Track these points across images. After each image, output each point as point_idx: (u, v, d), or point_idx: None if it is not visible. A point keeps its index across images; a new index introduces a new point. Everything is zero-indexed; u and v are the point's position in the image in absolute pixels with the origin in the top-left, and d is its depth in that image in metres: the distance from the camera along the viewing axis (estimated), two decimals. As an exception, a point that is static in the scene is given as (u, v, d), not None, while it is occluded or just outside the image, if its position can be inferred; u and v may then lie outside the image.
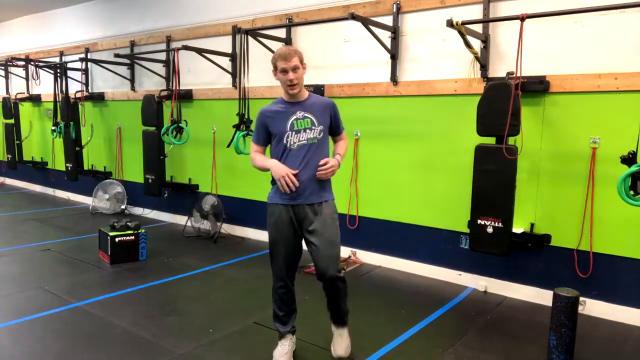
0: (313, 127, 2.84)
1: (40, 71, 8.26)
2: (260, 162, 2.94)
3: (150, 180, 6.44)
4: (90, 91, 7.92)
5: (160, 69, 6.74)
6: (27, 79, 9.01)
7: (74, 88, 7.67)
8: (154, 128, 6.32)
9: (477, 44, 4.16)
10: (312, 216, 2.84)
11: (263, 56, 5.50)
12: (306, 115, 2.84)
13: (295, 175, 2.78)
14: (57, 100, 7.56)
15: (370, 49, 4.78)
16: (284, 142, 2.83)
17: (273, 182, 2.90)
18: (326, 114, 2.91)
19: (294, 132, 2.83)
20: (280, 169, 2.78)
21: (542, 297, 3.98)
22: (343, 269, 3.16)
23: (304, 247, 3.01)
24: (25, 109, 9.06)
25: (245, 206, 6.08)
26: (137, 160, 6.91)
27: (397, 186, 4.82)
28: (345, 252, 5.04)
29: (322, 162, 2.82)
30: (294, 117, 2.84)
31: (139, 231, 4.97)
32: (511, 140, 3.84)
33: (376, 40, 4.48)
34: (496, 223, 3.78)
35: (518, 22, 3.44)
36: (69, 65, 7.53)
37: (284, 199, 2.85)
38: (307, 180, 2.82)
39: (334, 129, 3.01)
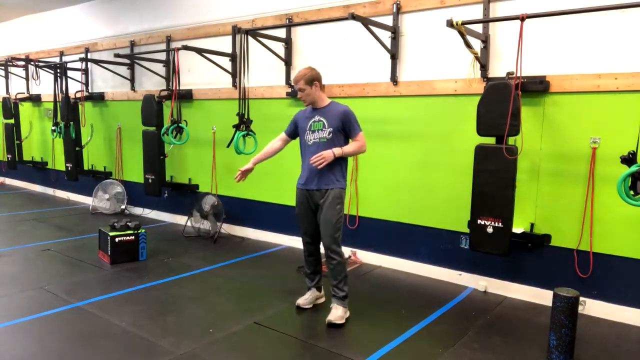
0: (324, 129, 3.53)
1: (40, 71, 8.26)
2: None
3: (150, 180, 6.44)
4: (90, 91, 7.92)
5: (160, 69, 6.74)
6: (27, 79, 9.01)
7: (74, 88, 7.67)
8: (154, 128, 6.32)
9: (477, 44, 4.16)
10: (320, 200, 3.54)
11: (263, 56, 5.52)
12: (320, 119, 3.56)
13: (307, 166, 3.55)
14: (57, 100, 7.55)
15: (370, 49, 4.78)
16: (304, 138, 3.63)
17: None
18: (337, 119, 3.52)
19: (310, 132, 3.59)
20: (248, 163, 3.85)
21: (542, 297, 3.98)
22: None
23: None
24: (25, 109, 9.06)
25: (245, 206, 6.08)
26: (137, 160, 6.92)
27: (397, 186, 4.82)
28: (345, 252, 5.02)
29: (317, 155, 3.43)
30: (312, 120, 3.59)
31: (139, 231, 4.97)
32: (511, 140, 3.84)
33: (376, 40, 4.48)
34: (496, 223, 3.78)
35: (518, 22, 3.44)
36: (69, 65, 7.52)
37: (300, 184, 3.65)
38: (316, 170, 3.50)
39: (347, 132, 3.56)
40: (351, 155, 3.68)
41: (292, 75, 5.46)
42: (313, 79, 3.52)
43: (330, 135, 3.51)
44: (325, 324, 3.51)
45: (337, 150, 3.47)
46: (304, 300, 3.79)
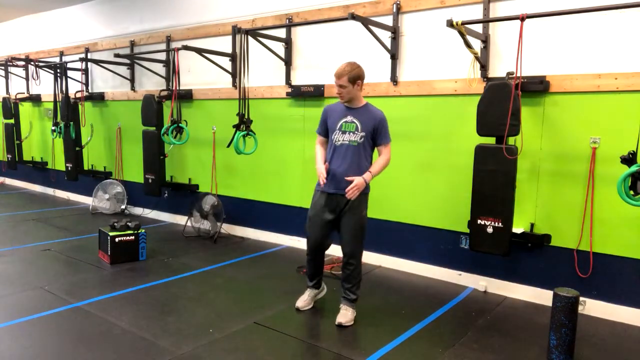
0: (356, 132, 3.38)
1: (40, 71, 8.26)
2: (316, 156, 3.58)
3: (150, 180, 6.45)
4: (90, 91, 7.92)
5: (160, 69, 6.74)
6: (27, 79, 9.01)
7: (74, 88, 7.67)
8: (154, 128, 6.32)
9: (477, 44, 4.16)
10: (345, 205, 3.41)
11: (263, 56, 5.52)
12: (354, 120, 3.40)
13: (332, 169, 3.41)
14: (57, 100, 7.56)
15: (370, 49, 4.78)
16: (332, 137, 3.45)
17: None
18: (371, 124, 3.38)
19: (340, 132, 3.42)
20: (318, 169, 3.46)
21: (542, 297, 3.98)
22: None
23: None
24: (25, 109, 9.06)
25: (245, 206, 6.08)
26: (137, 160, 6.92)
27: (397, 186, 4.82)
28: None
29: (348, 179, 3.30)
30: (344, 119, 3.42)
31: (139, 231, 4.97)
32: (511, 140, 3.84)
33: (376, 40, 4.48)
34: (496, 223, 3.78)
35: (518, 22, 3.44)
36: (69, 65, 7.52)
37: (322, 187, 3.44)
38: (343, 174, 3.36)
39: (376, 139, 3.43)
40: (378, 174, 3.45)
41: (292, 75, 5.48)
42: (357, 77, 3.35)
43: (362, 140, 3.37)
44: (324, 323, 3.52)
45: (368, 176, 3.34)
46: (303, 302, 3.75)
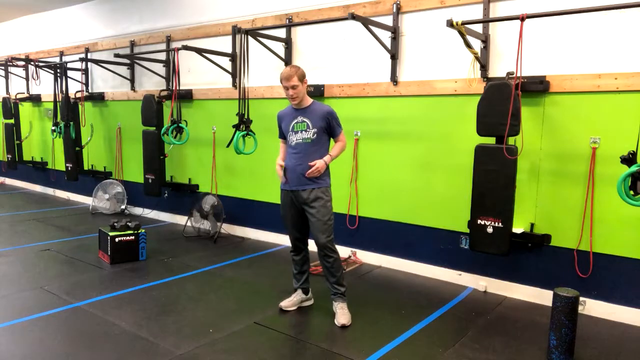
0: (308, 130, 3.52)
1: (40, 71, 8.26)
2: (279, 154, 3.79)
3: (150, 180, 6.45)
4: (90, 91, 7.92)
5: (160, 69, 6.74)
6: (27, 79, 9.01)
7: (74, 88, 7.67)
8: (154, 128, 6.32)
9: (477, 44, 4.16)
10: (306, 199, 3.51)
11: (263, 56, 5.52)
12: (304, 119, 3.53)
13: (292, 167, 3.54)
14: (57, 100, 7.56)
15: (370, 49, 4.78)
16: (288, 139, 3.62)
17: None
18: (321, 120, 3.52)
19: (293, 132, 3.56)
20: (277, 163, 3.69)
21: (542, 297, 3.98)
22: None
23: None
24: (25, 109, 9.06)
25: (245, 206, 6.08)
26: (137, 160, 6.92)
27: (397, 186, 4.82)
28: (345, 252, 5.04)
29: (311, 164, 3.46)
30: (295, 120, 3.56)
31: (139, 231, 4.97)
32: (511, 140, 3.84)
33: (376, 40, 4.48)
34: (496, 223, 3.78)
35: (518, 22, 3.44)
36: (69, 65, 7.52)
37: (284, 186, 3.63)
38: (301, 171, 3.50)
39: (331, 133, 3.60)
40: (337, 157, 3.66)
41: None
42: (303, 75, 3.48)
43: (315, 135, 3.50)
44: (324, 323, 3.51)
45: (328, 158, 3.52)
46: (287, 302, 3.75)
